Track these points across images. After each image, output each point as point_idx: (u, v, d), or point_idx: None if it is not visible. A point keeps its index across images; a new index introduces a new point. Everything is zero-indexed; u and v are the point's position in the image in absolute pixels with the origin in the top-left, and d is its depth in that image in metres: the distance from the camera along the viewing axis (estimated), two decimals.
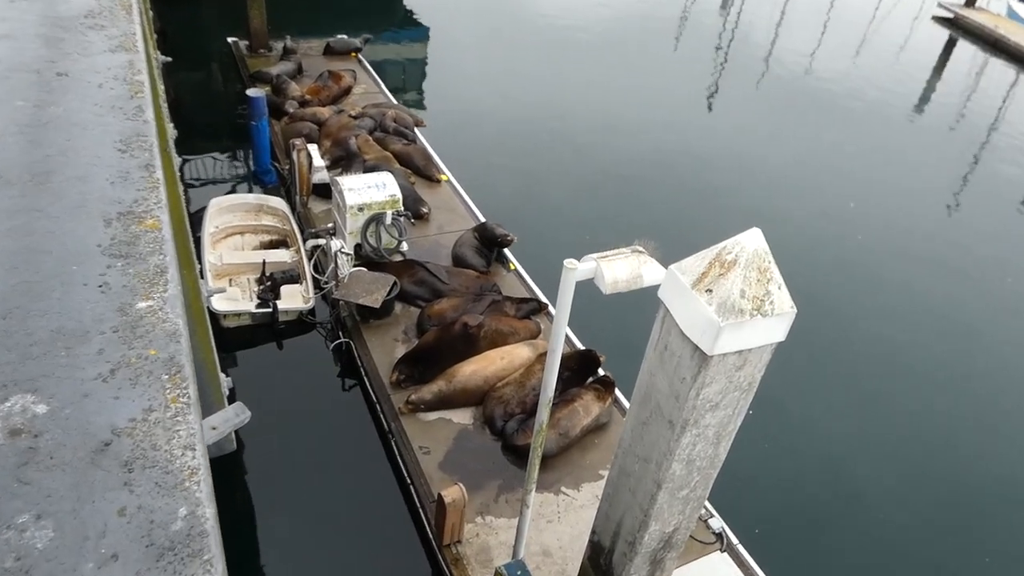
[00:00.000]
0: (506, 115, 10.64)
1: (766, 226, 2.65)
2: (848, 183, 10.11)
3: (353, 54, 10.36)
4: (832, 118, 12.04)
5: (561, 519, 4.32)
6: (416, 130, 8.61)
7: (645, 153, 10.13)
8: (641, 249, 3.20)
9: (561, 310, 3.08)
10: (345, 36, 10.44)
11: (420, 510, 4.40)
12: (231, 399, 4.47)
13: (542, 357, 5.05)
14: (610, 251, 3.11)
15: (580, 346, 5.68)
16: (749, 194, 9.51)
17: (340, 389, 5.53)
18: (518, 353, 5.21)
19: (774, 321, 2.53)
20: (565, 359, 4.91)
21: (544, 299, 6.16)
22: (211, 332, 4.22)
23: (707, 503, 4.44)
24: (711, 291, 2.52)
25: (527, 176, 9.29)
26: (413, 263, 6.06)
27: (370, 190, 5.96)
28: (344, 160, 7.40)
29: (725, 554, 4.20)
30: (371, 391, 5.17)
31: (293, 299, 5.83)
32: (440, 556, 4.12)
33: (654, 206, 8.86)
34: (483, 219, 7.23)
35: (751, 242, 2.55)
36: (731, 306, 2.47)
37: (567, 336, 5.61)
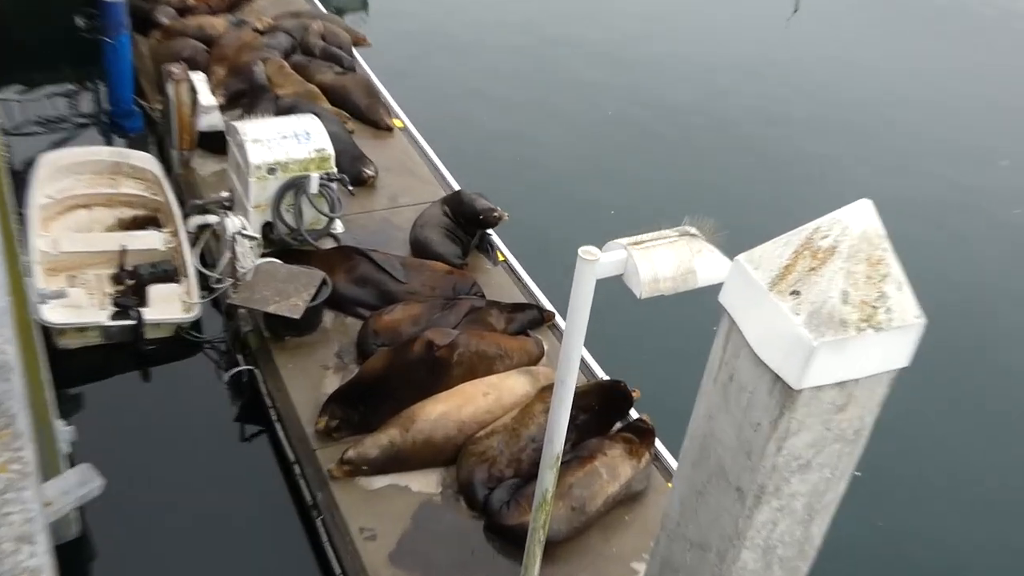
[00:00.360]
0: (490, 34, 10.64)
1: (877, 197, 2.68)
2: (996, 133, 10.19)
3: None
4: (971, 38, 12.10)
5: None
6: (355, 53, 8.61)
7: (693, 92, 10.20)
8: (694, 231, 3.24)
9: (575, 322, 3.11)
10: None
11: None
12: (72, 460, 4.44)
13: (546, 392, 5.04)
14: (647, 234, 3.14)
15: (602, 375, 5.72)
16: (849, 151, 9.62)
17: (238, 441, 5.52)
18: (509, 386, 5.23)
19: (892, 337, 2.55)
20: (580, 395, 4.81)
21: (549, 306, 6.19)
22: (43, 357, 4.17)
23: None
24: (798, 293, 2.54)
25: (522, 124, 9.32)
26: (352, 252, 6.06)
27: (286, 142, 5.96)
28: (247, 97, 7.38)
29: None
30: (286, 445, 5.19)
31: (167, 306, 5.80)
32: None
33: (710, 168, 8.93)
34: (457, 186, 7.25)
35: (858, 220, 2.56)
36: (828, 315, 2.49)
37: (583, 361, 5.63)
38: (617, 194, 8.37)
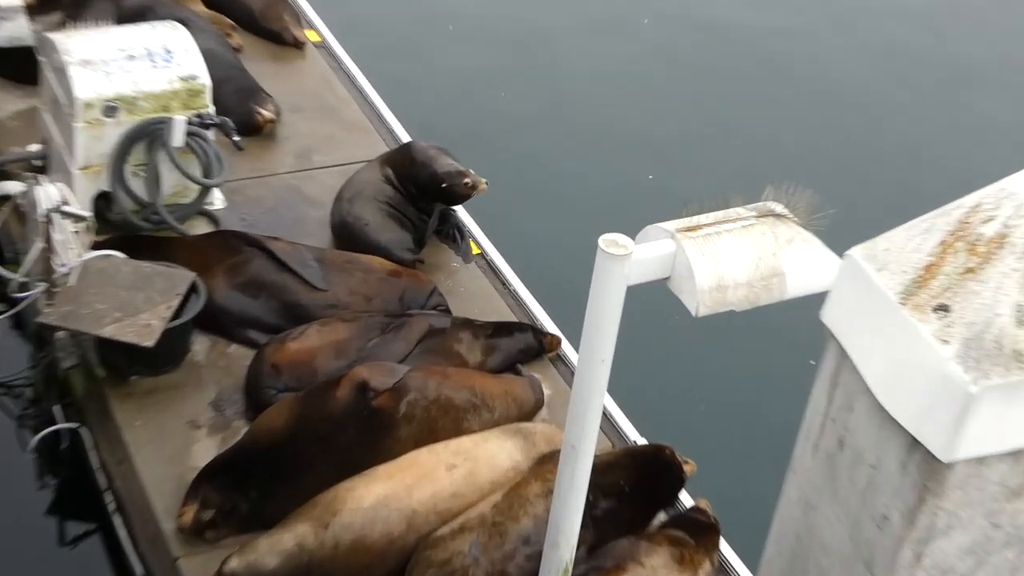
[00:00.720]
0: None
1: None
2: None
3: None
4: None
5: None
6: None
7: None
8: (781, 210, 3.22)
9: (593, 352, 3.09)
10: None
11: None
12: None
13: (547, 464, 4.99)
14: (707, 215, 3.12)
15: (636, 438, 5.72)
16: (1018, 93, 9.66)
17: (54, 543, 5.51)
18: (489, 455, 5.23)
19: None
20: (603, 469, 4.82)
21: (551, 326, 6.19)
22: None
23: None
24: (947, 309, 2.54)
25: (509, 38, 9.27)
26: (239, 242, 6.04)
27: (134, 65, 5.96)
28: None
29: None
30: (130, 550, 5.15)
31: None
32: None
33: (801, 112, 8.92)
34: (406, 136, 7.23)
35: None
36: (996, 344, 2.47)
37: (606, 413, 5.57)
38: (657, 152, 8.37)
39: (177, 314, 5.38)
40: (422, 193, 6.43)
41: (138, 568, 5.10)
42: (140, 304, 5.35)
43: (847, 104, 9.14)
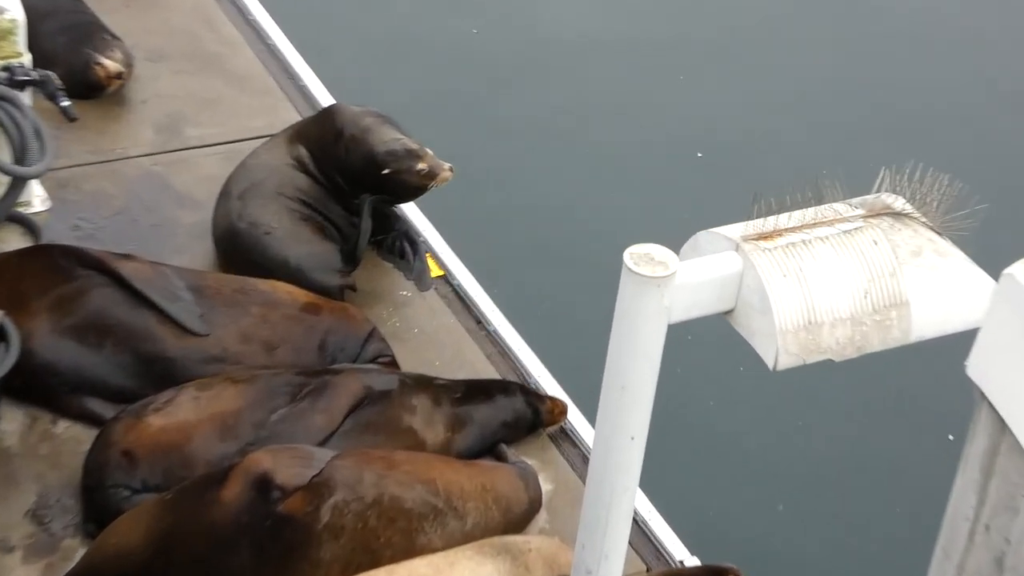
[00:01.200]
0: None
1: None
2: None
3: None
4: None
5: None
6: None
7: None
8: (902, 206, 3.24)
9: (616, 423, 3.11)
10: None
11: None
12: None
13: None
14: (787, 214, 3.14)
15: (682, 556, 5.77)
16: None
17: None
18: None
19: None
20: None
21: (550, 385, 6.27)
22: None
23: None
24: None
25: None
26: (70, 260, 6.08)
27: None
28: None
29: None
30: None
31: None
32: None
33: (924, 76, 9.01)
34: (328, 98, 7.35)
35: None
36: None
37: (638, 520, 5.65)
38: (708, 118, 8.43)
39: None
40: (354, 184, 6.50)
41: None
42: None
43: (995, 56, 9.23)
